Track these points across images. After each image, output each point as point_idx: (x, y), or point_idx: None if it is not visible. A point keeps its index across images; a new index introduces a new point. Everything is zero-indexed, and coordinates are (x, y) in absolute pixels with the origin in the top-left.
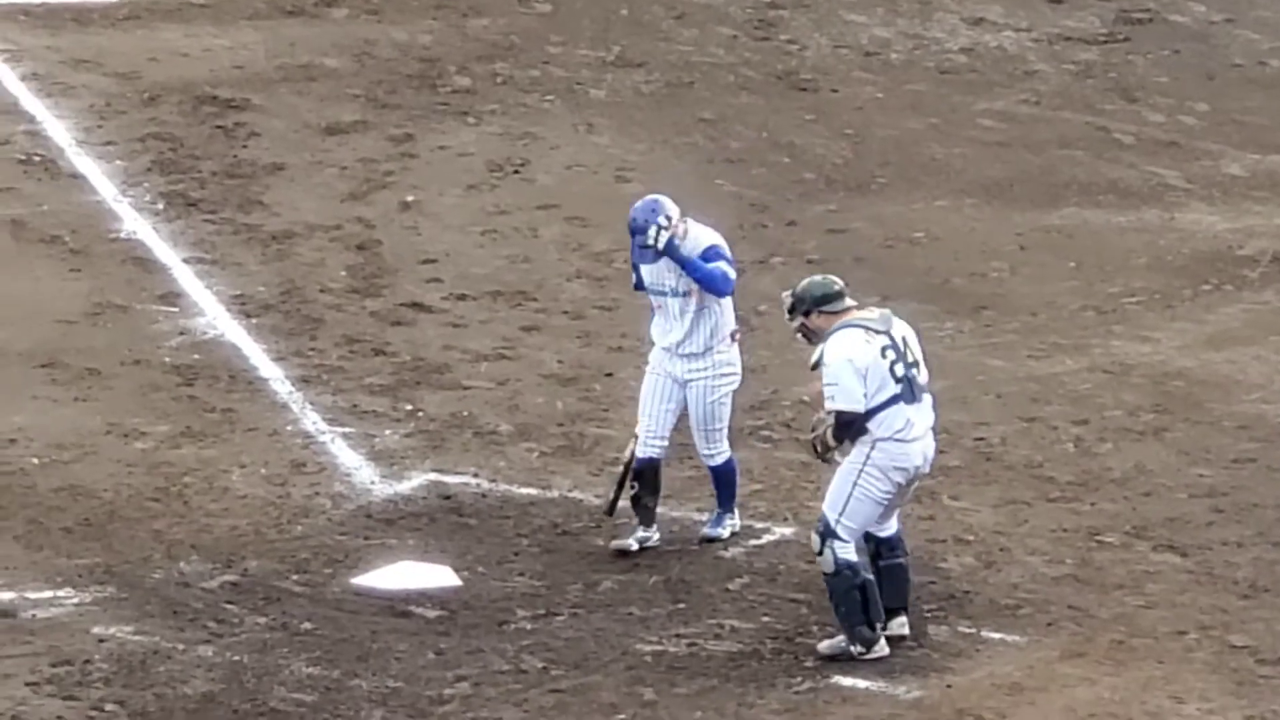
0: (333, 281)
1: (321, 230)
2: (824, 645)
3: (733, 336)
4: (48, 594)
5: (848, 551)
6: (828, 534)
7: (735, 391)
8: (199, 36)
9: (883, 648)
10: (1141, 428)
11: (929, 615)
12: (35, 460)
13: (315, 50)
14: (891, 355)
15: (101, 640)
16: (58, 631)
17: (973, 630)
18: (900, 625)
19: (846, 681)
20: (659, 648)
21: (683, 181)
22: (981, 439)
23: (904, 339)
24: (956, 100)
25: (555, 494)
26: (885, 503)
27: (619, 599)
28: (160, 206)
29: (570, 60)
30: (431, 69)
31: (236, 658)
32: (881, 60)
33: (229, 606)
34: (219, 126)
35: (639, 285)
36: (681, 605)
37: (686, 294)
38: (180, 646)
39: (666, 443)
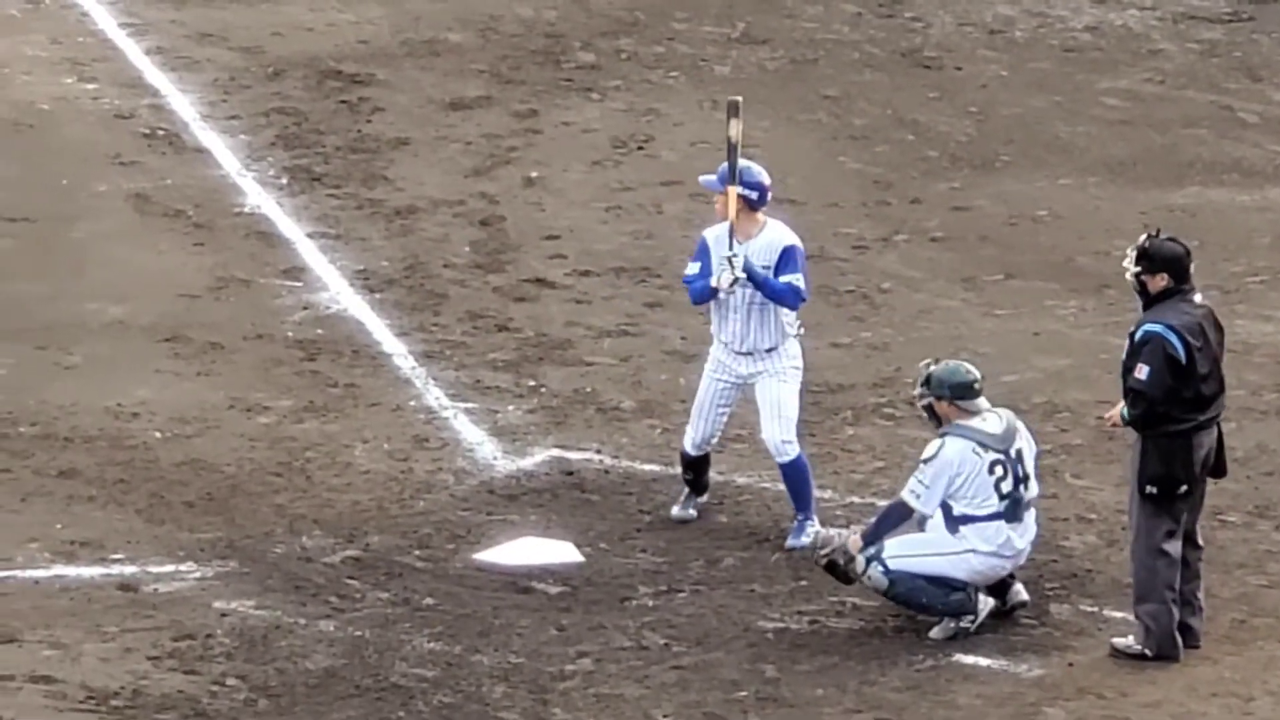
0: (456, 257)
1: (445, 205)
2: (935, 631)
3: (797, 332)
4: (170, 568)
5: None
6: (877, 560)
7: (802, 387)
8: (323, 11)
9: (985, 602)
10: (1264, 407)
11: (1051, 594)
12: (158, 434)
13: (440, 25)
14: (1000, 471)
15: (223, 615)
16: (179, 606)
17: (1095, 609)
18: (1016, 594)
19: (968, 659)
20: (781, 625)
21: (807, 158)
22: (1103, 418)
23: (1019, 453)
24: (1080, 79)
25: (677, 470)
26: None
27: (741, 576)
28: (284, 181)
29: (695, 37)
30: (556, 45)
31: (358, 633)
32: (1006, 38)
33: (351, 582)
34: (343, 101)
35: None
36: (803, 582)
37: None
38: (302, 621)
39: (716, 441)
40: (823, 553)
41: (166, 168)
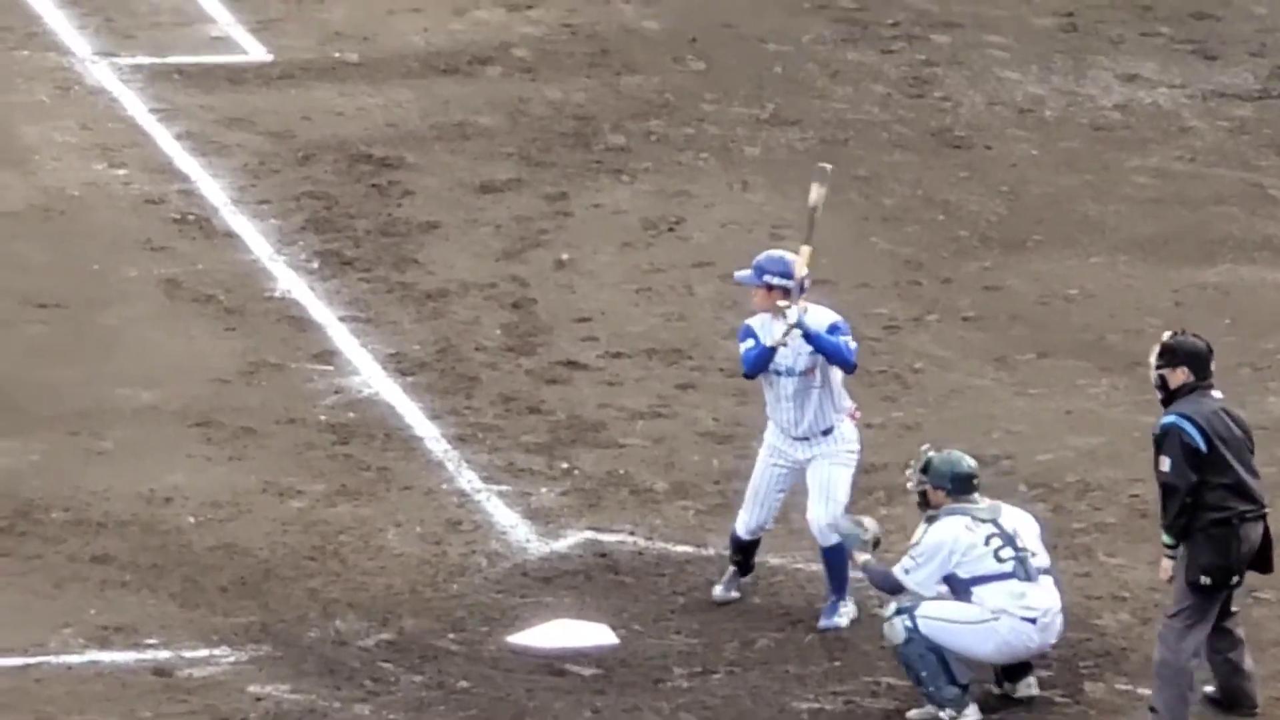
0: (488, 340)
1: (476, 288)
2: (913, 713)
3: (851, 415)
4: (204, 652)
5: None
6: (907, 615)
7: (855, 472)
8: (353, 95)
9: (973, 712)
10: None
11: (1085, 672)
12: (191, 519)
13: (469, 109)
14: (997, 542)
15: (258, 699)
16: (214, 690)
17: (1129, 687)
18: (1028, 686)
19: None
20: (815, 705)
21: (838, 239)
22: (1136, 495)
23: (1014, 530)
24: (1110, 157)
25: (711, 552)
26: (975, 655)
27: (775, 656)
28: (315, 265)
29: (724, 118)
30: (586, 127)
31: (393, 716)
32: (1036, 117)
33: (385, 665)
34: (374, 185)
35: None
36: (837, 663)
37: (805, 372)
38: (337, 705)
39: (770, 526)
40: (843, 528)
41: (197, 253)
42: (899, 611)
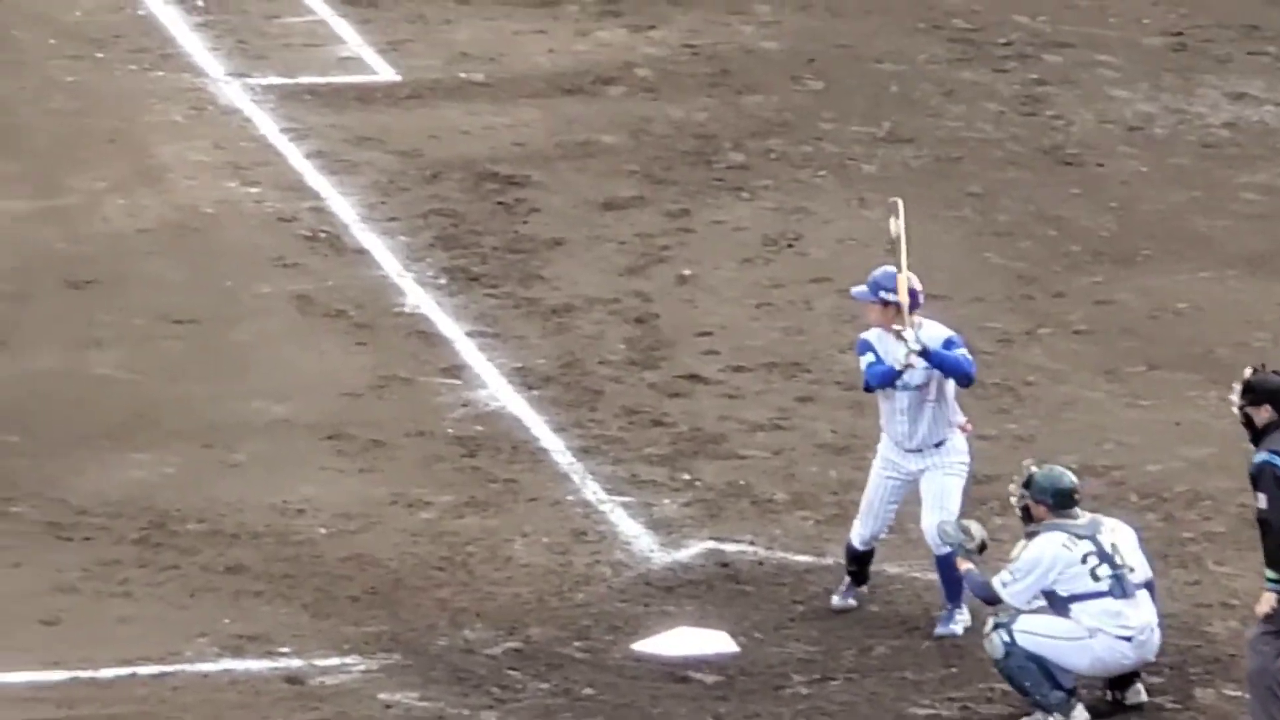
0: (612, 354)
1: (600, 304)
2: None
3: (962, 428)
4: (335, 661)
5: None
6: (1005, 629)
7: (967, 483)
8: (479, 114)
9: (1081, 713)
10: None
11: (1195, 679)
12: (323, 530)
13: (593, 127)
14: (1094, 560)
15: (388, 706)
16: (345, 698)
17: (1238, 693)
18: (1136, 693)
19: None
20: (932, 711)
21: (952, 254)
22: (1244, 505)
23: (1113, 546)
24: (1219, 174)
25: (830, 561)
26: (1071, 669)
27: (892, 664)
28: (443, 281)
29: (842, 136)
30: (706, 145)
31: None
32: (1145, 135)
33: (512, 673)
34: (500, 203)
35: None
36: (954, 669)
37: (920, 387)
38: (465, 712)
39: (883, 536)
40: (949, 534)
41: (328, 269)
42: (997, 626)
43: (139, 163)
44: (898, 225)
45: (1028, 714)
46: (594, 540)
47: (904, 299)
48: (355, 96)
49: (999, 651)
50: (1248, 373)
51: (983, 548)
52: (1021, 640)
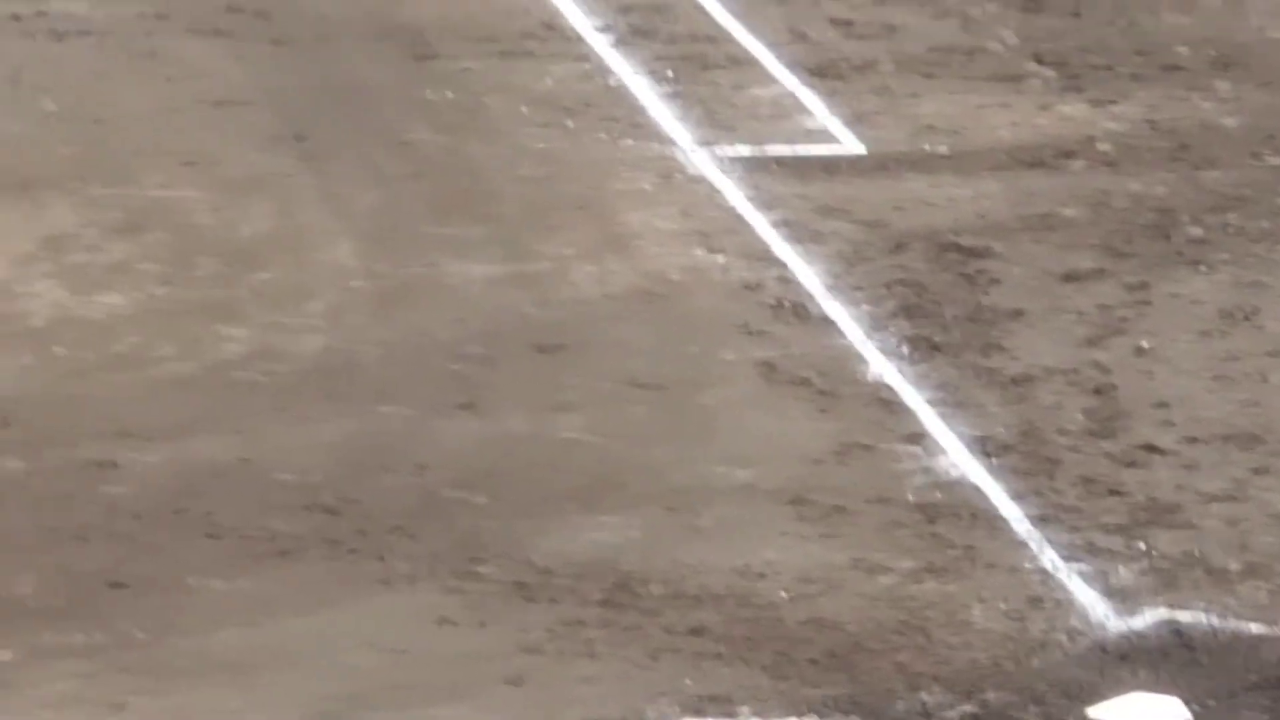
0: (1070, 424)
1: (1059, 374)
2: None
3: None
4: None
5: None
6: None
7: None
8: (942, 186)
9: None
10: None
11: None
12: (784, 594)
13: (1054, 200)
14: None
15: None
16: None
17: None
18: None
19: None
20: None
21: None
22: None
23: None
24: None
25: None
26: None
27: None
28: (905, 350)
29: None
30: (1165, 219)
31: None
32: None
33: None
34: (962, 273)
35: None
36: None
37: None
38: None
39: None
40: None
41: (792, 337)
42: None
43: (607, 229)
44: None
45: None
46: (1050, 607)
47: None
48: (821, 167)
49: None
50: None
51: None
52: None
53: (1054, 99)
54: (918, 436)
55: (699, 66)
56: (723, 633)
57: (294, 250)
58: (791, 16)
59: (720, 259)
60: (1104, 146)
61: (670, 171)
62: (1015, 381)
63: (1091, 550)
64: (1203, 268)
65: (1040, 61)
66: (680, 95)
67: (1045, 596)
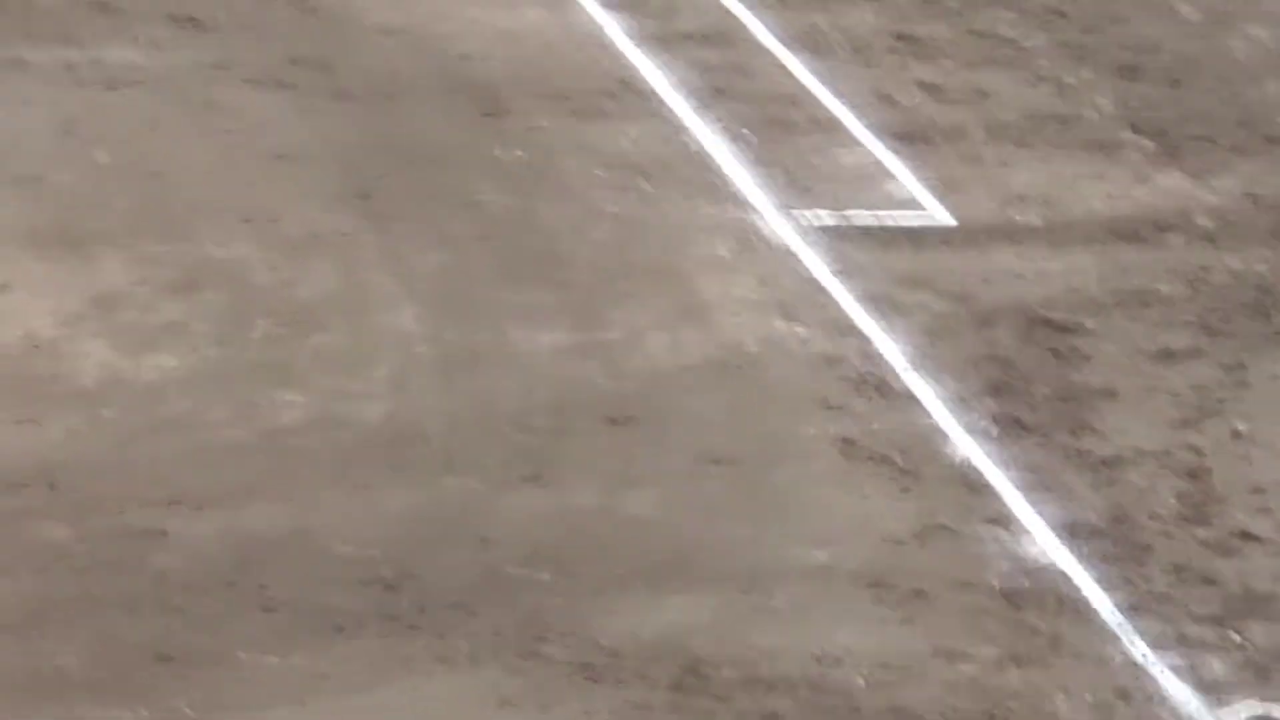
0: (1162, 508)
1: (1152, 456)
2: None
3: None
4: None
5: None
6: None
7: None
8: (1032, 259)
9: None
10: None
11: None
12: (861, 681)
13: (1149, 276)
14: None
15: None
16: None
17: None
18: None
19: None
20: None
21: None
22: None
23: None
24: None
25: None
26: None
27: None
28: (992, 429)
29: None
30: (1266, 298)
31: None
32: None
33: None
34: (1051, 349)
35: None
36: None
37: None
38: None
39: None
40: None
41: (874, 413)
42: None
43: (683, 298)
44: None
45: None
46: (1139, 700)
47: None
48: (907, 237)
49: None
50: None
51: None
52: None
53: (1151, 170)
54: (1003, 519)
55: (781, 129)
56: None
57: (355, 313)
58: (878, 79)
59: (800, 330)
60: (1202, 220)
61: (749, 238)
62: (1106, 463)
63: (1183, 641)
64: None
65: (1137, 131)
66: (761, 159)
67: (1134, 689)
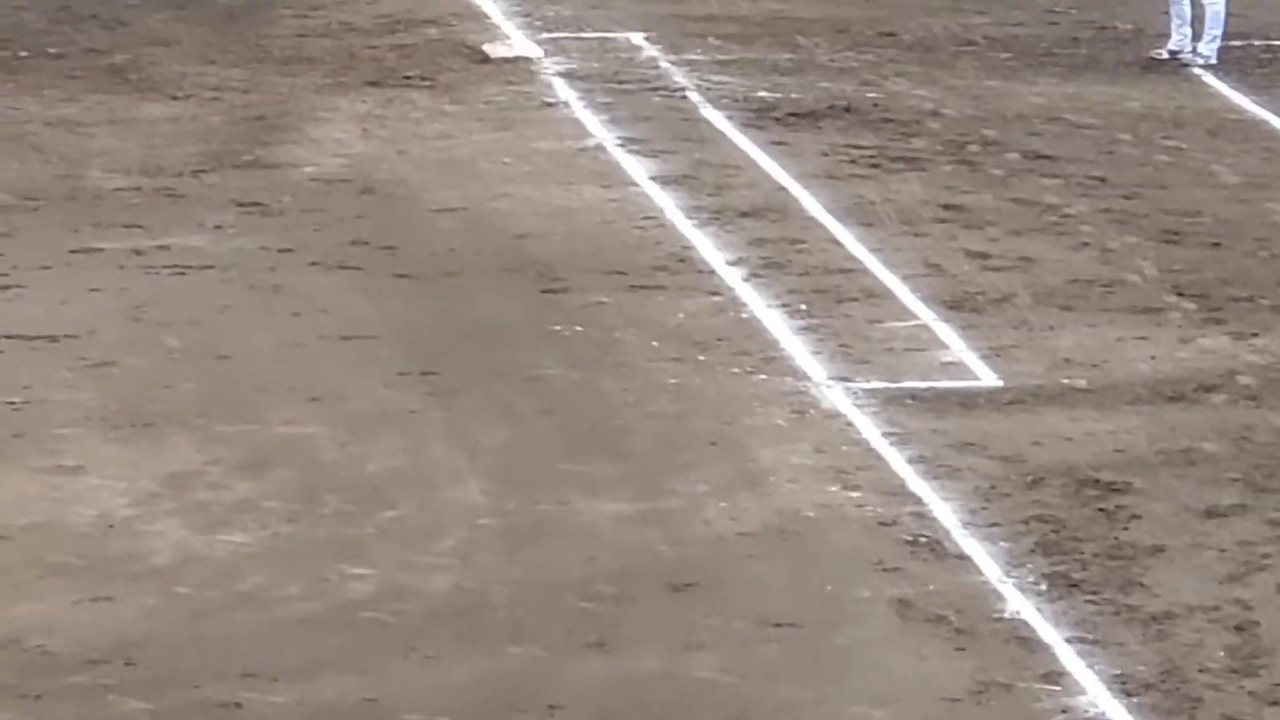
0: (1211, 662)
1: (1200, 611)
2: None
3: None
4: None
5: None
6: None
7: None
8: (1081, 421)
9: None
10: None
11: None
12: None
13: (1195, 434)
14: None
15: None
16: None
17: None
18: None
19: None
20: None
21: None
22: None
23: None
24: None
25: None
26: None
27: None
28: (1043, 587)
29: None
30: None
31: None
32: None
33: None
34: (1100, 509)
35: None
36: None
37: None
38: None
39: None
40: None
41: (929, 574)
42: None
43: (740, 466)
44: None
45: None
46: None
47: None
48: (958, 402)
49: None
50: None
51: None
52: None
53: (1195, 331)
54: (1056, 675)
55: (833, 300)
56: None
57: (422, 487)
58: (926, 248)
59: (855, 495)
60: (1246, 380)
61: (804, 406)
62: (1155, 619)
63: None
64: None
65: (1180, 294)
66: (814, 329)
67: None
